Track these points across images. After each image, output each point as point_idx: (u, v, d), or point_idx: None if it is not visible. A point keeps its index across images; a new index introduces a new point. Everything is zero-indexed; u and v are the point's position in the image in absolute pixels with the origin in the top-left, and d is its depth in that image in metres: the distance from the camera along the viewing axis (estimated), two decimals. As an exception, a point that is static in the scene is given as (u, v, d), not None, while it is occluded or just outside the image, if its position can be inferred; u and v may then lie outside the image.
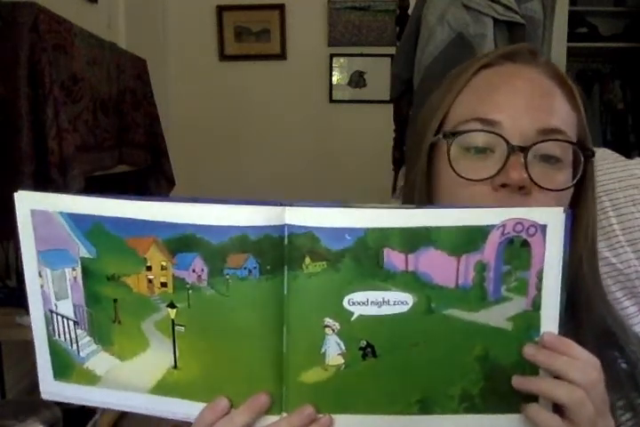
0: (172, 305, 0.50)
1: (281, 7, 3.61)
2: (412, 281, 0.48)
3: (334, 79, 3.68)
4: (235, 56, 3.67)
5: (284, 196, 0.49)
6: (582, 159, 0.63)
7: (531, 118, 0.61)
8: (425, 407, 0.50)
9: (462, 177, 0.61)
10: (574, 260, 0.60)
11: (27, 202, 0.52)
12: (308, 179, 3.62)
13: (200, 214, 0.48)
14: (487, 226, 0.48)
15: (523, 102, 0.62)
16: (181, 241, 0.48)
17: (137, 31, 3.02)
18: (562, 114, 0.63)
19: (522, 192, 0.59)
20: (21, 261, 0.53)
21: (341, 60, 3.66)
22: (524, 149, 0.60)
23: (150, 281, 0.50)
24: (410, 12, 2.06)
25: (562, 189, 0.61)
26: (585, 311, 0.63)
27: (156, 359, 0.52)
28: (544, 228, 0.48)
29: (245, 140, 3.70)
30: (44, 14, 1.55)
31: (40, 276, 0.53)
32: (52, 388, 0.55)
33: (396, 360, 0.49)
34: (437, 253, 0.48)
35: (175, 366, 0.52)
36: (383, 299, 0.48)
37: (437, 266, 0.48)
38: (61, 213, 0.51)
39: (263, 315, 0.49)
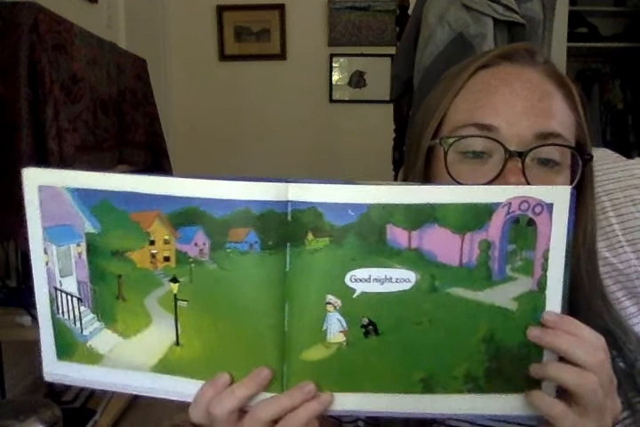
0: (174, 280, 0.50)
1: (281, 7, 3.61)
2: (415, 259, 0.48)
3: (334, 79, 3.68)
4: (235, 56, 3.67)
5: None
6: (580, 163, 0.63)
7: (528, 122, 0.61)
8: (428, 387, 0.50)
9: (460, 183, 0.61)
10: (574, 259, 0.60)
11: (35, 178, 0.52)
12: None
13: (204, 188, 0.48)
14: (492, 204, 0.47)
15: (520, 105, 0.61)
16: (185, 215, 0.48)
17: (137, 31, 3.02)
18: (560, 116, 0.63)
19: None
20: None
21: (341, 60, 3.66)
22: (522, 154, 0.59)
23: (153, 256, 0.50)
24: (410, 12, 2.06)
25: None
26: (584, 310, 0.63)
27: (158, 336, 0.52)
28: (550, 206, 0.47)
29: (245, 140, 3.70)
30: (43, 14, 1.55)
31: (45, 253, 0.53)
32: (54, 369, 0.55)
33: (398, 339, 0.49)
34: (441, 230, 0.47)
35: (177, 343, 0.51)
36: (386, 276, 0.48)
37: (441, 244, 0.48)
38: (68, 188, 0.51)
39: (265, 291, 0.48)
